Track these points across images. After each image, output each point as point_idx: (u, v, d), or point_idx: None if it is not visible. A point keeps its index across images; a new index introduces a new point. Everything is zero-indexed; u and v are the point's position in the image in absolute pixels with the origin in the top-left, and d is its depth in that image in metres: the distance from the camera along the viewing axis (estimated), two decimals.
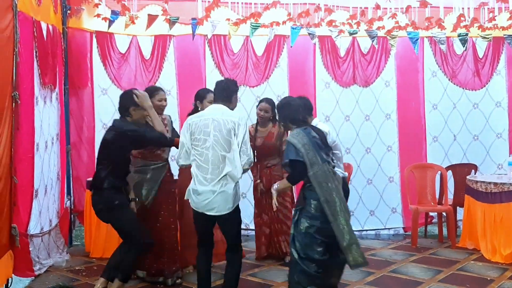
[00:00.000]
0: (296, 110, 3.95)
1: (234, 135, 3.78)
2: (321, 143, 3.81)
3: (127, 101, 4.19)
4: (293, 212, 4.06)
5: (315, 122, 4.47)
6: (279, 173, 5.28)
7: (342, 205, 3.65)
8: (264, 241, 5.50)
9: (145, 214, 4.54)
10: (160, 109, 4.59)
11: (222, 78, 4.47)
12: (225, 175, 3.74)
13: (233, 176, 3.76)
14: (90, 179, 5.83)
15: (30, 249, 4.60)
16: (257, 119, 5.48)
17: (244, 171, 3.87)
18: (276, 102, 4.79)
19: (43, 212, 5.00)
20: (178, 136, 4.31)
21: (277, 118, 4.45)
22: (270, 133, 5.39)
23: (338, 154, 4.54)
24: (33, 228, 4.69)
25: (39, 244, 4.88)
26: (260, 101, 5.51)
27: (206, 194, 3.76)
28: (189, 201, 3.90)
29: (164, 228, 4.69)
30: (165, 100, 4.73)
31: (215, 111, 3.91)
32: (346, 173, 4.69)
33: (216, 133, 3.79)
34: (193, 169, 3.84)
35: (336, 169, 3.95)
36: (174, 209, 4.83)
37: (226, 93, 3.98)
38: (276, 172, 5.34)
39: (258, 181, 5.41)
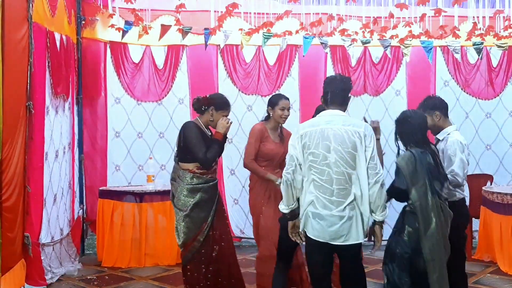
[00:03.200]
0: (414, 128, 3.43)
1: (362, 149, 3.15)
2: (437, 171, 3.36)
3: None
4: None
5: (449, 130, 3.80)
6: None
7: (442, 244, 3.31)
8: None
9: (204, 242, 3.96)
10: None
11: (335, 75, 3.77)
12: (354, 197, 3.15)
13: (359, 199, 3.16)
14: (104, 188, 5.93)
15: (42, 258, 4.61)
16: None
17: (375, 193, 3.15)
18: None
19: (52, 221, 5.01)
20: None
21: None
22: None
23: (458, 176, 3.64)
24: (44, 237, 4.71)
25: (51, 253, 4.90)
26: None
27: (332, 219, 3.13)
28: (306, 230, 3.26)
29: (223, 257, 4.06)
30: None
31: (333, 119, 3.23)
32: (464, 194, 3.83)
33: (338, 147, 3.13)
34: (310, 190, 3.20)
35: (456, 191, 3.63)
36: (230, 234, 4.23)
37: (344, 95, 3.31)
38: None
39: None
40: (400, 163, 3.37)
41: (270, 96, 4.64)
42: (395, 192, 3.42)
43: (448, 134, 3.78)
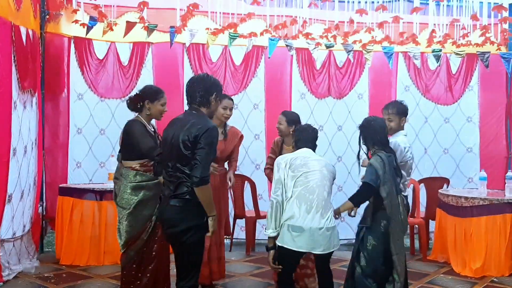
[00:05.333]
0: (377, 131, 3.86)
1: (332, 179, 3.73)
2: (397, 171, 3.86)
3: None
4: (357, 229, 3.96)
5: (398, 135, 4.29)
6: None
7: (402, 240, 3.80)
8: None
9: (146, 240, 3.92)
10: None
11: (305, 125, 4.11)
12: (331, 209, 3.65)
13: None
14: (64, 185, 5.85)
15: (1, 254, 4.54)
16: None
17: None
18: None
19: (17, 217, 4.93)
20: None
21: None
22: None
23: (405, 176, 4.20)
24: (5, 232, 4.63)
25: (10, 249, 4.82)
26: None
27: (313, 231, 3.52)
28: (283, 241, 3.58)
29: (161, 255, 4.00)
30: None
31: (312, 155, 3.78)
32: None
33: (322, 169, 3.66)
34: (293, 204, 3.58)
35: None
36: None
37: (313, 142, 3.89)
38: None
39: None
40: (374, 163, 3.74)
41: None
42: (367, 193, 3.78)
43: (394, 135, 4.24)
